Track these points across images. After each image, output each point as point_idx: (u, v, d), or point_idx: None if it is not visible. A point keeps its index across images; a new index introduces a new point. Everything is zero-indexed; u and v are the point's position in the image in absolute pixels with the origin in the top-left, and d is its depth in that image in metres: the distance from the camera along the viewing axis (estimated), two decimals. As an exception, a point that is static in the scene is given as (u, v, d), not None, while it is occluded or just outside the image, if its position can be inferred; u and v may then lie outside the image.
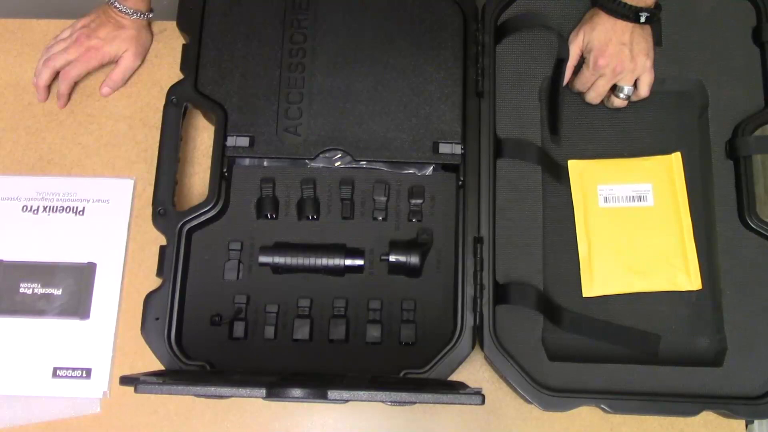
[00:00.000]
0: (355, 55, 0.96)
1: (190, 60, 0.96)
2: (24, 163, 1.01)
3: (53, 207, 0.98)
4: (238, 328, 0.90)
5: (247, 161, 0.96)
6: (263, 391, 0.69)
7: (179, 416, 0.91)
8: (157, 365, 0.87)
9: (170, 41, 1.02)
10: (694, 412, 0.85)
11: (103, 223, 0.97)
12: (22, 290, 0.94)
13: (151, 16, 1.02)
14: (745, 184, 0.91)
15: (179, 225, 0.90)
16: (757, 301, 0.89)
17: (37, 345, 0.93)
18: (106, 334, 0.93)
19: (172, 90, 0.95)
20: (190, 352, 0.88)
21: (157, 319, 0.88)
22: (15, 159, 1.01)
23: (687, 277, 0.91)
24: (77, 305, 0.94)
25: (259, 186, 0.94)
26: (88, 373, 0.92)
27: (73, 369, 0.92)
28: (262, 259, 0.90)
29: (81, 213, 0.98)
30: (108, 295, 0.95)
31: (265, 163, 0.96)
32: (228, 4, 0.98)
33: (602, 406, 0.84)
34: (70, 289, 0.94)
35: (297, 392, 0.70)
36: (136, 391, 0.69)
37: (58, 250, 0.96)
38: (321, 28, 0.97)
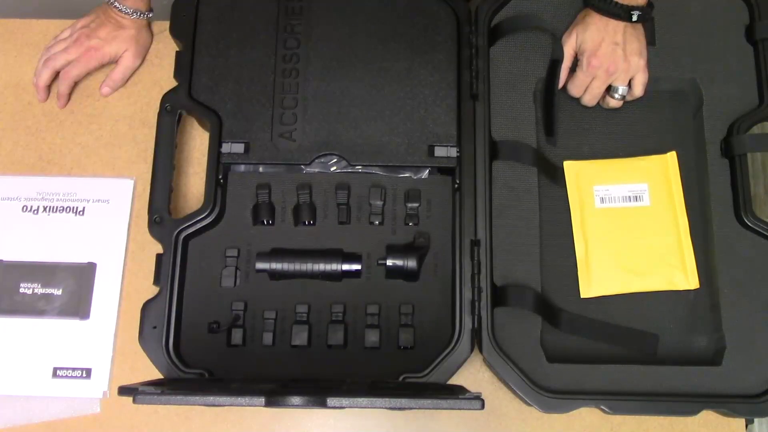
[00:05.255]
0: (348, 59, 0.96)
1: (184, 67, 0.96)
2: (24, 163, 1.01)
3: (53, 207, 0.98)
4: (236, 335, 0.90)
5: (242, 167, 0.95)
6: (262, 400, 0.69)
7: (179, 416, 0.91)
8: (157, 368, 0.88)
9: (170, 41, 1.02)
10: (694, 412, 0.85)
11: (103, 223, 0.97)
12: (22, 290, 0.94)
13: (150, 15, 1.02)
14: (740, 183, 0.91)
15: (175, 233, 0.90)
16: (754, 299, 0.89)
17: (37, 345, 0.93)
18: (106, 335, 0.93)
19: (166, 98, 0.95)
20: (188, 360, 0.88)
21: (155, 327, 0.88)
22: (15, 159, 1.01)
23: (684, 277, 0.91)
24: (77, 305, 0.94)
25: (254, 192, 0.94)
26: (88, 373, 0.92)
27: (73, 369, 0.92)
28: (259, 265, 0.90)
29: (81, 213, 0.98)
30: (108, 295, 0.95)
31: (261, 169, 0.95)
32: (221, 11, 0.98)
33: (602, 407, 0.85)
34: (70, 289, 0.94)
35: (296, 400, 0.70)
36: (135, 401, 0.69)
37: (58, 250, 0.96)
38: (314, 34, 0.97)
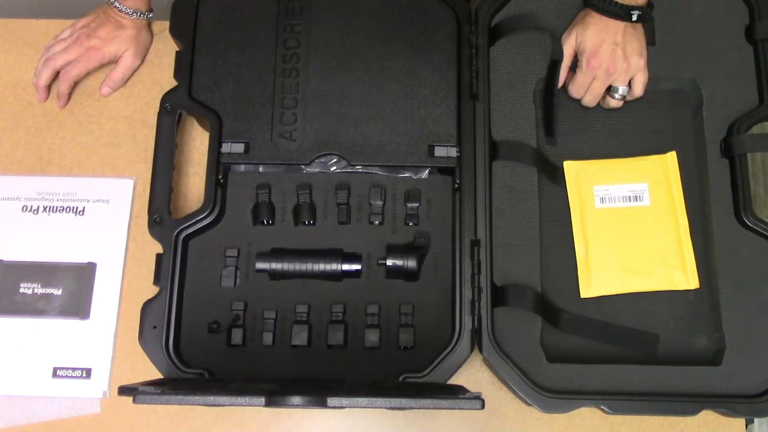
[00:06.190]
0: (348, 59, 0.96)
1: (184, 67, 0.96)
2: (24, 163, 1.01)
3: (53, 207, 0.98)
4: (236, 335, 0.90)
5: (242, 167, 0.95)
6: (262, 400, 0.69)
7: (179, 416, 0.91)
8: (157, 367, 0.88)
9: (170, 41, 1.02)
10: (694, 412, 0.85)
11: (103, 223, 0.97)
12: (22, 290, 0.94)
13: (150, 15, 1.02)
14: (740, 183, 0.91)
15: (175, 233, 0.90)
16: (754, 298, 0.89)
17: (37, 345, 0.93)
18: (106, 335, 0.93)
19: (166, 97, 0.95)
20: (188, 360, 0.88)
21: (155, 327, 0.88)
22: (15, 159, 1.01)
23: (684, 277, 0.91)
24: (77, 305, 0.94)
25: (254, 192, 0.94)
26: (88, 373, 0.92)
27: (73, 369, 0.92)
28: (259, 265, 0.90)
29: (81, 213, 0.98)
30: (108, 295, 0.95)
31: (261, 169, 0.95)
32: (221, 11, 0.98)
33: (602, 406, 0.85)
34: (70, 289, 0.94)
35: (296, 400, 0.70)
36: (134, 401, 0.69)
37: (58, 250, 0.96)
38: (314, 33, 0.97)
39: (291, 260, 0.90)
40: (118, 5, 0.98)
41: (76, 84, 1.03)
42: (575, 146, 0.97)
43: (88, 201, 0.98)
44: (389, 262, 0.90)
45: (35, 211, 0.98)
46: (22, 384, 0.92)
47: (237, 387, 0.79)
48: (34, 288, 0.94)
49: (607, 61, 0.90)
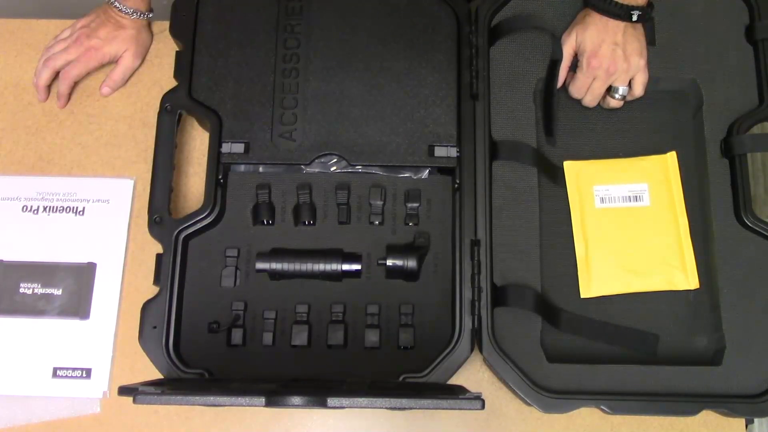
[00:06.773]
0: (349, 59, 0.96)
1: (184, 67, 0.96)
2: (24, 163, 1.01)
3: (53, 207, 0.98)
4: (236, 335, 0.90)
5: (242, 167, 0.95)
6: (262, 400, 0.69)
7: (179, 416, 0.91)
8: (157, 367, 0.88)
9: (170, 41, 1.02)
10: (694, 412, 0.85)
11: (103, 223, 0.97)
12: (22, 290, 0.94)
13: (150, 16, 1.02)
14: (740, 183, 0.91)
15: (175, 233, 0.90)
16: (754, 298, 0.89)
17: (37, 345, 0.93)
18: (106, 335, 0.93)
19: (166, 97, 0.95)
20: (188, 360, 0.88)
21: (155, 327, 0.88)
22: (15, 159, 1.01)
23: (684, 277, 0.91)
24: (77, 305, 0.94)
25: (254, 192, 0.94)
26: (88, 373, 0.92)
27: (73, 369, 0.92)
28: (259, 265, 0.90)
29: (81, 213, 0.98)
30: (108, 295, 0.95)
31: (261, 169, 0.96)
32: (220, 11, 0.98)
33: (602, 407, 0.85)
34: (70, 289, 0.95)
35: (296, 400, 0.70)
36: (135, 401, 0.69)
37: (58, 250, 0.96)
38: (314, 33, 0.97)
39: (291, 260, 0.90)
40: (118, 5, 0.99)
41: (76, 84, 1.03)
42: (575, 146, 0.97)
43: (88, 201, 0.98)
44: (389, 262, 0.90)
45: (35, 211, 0.98)
46: (22, 384, 0.92)
47: (237, 387, 0.79)
48: (34, 288, 0.94)
49: (608, 61, 0.90)
